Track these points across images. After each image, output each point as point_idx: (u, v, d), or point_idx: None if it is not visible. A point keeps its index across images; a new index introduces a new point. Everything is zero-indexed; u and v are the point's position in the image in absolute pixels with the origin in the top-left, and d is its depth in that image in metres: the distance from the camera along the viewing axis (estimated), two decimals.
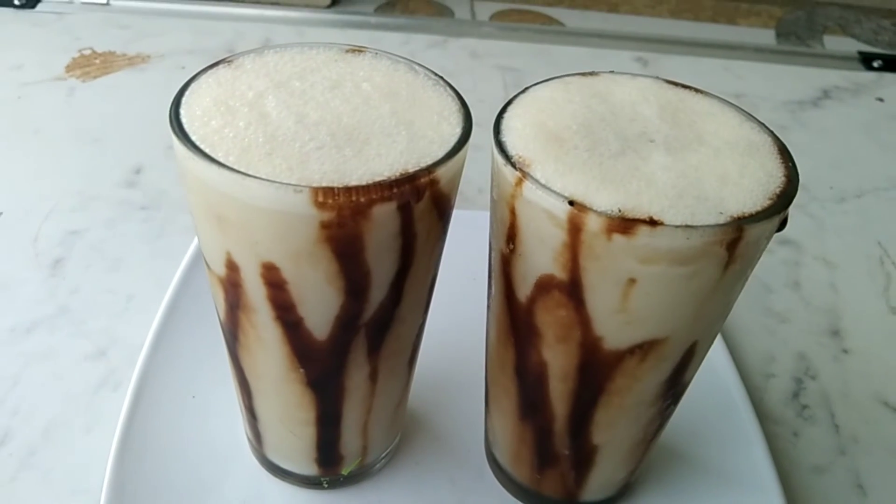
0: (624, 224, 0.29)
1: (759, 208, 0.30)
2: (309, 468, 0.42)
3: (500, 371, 0.39)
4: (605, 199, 0.29)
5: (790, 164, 0.32)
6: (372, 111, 0.33)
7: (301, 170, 0.30)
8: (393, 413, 0.42)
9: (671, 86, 0.37)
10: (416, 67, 0.37)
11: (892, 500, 0.48)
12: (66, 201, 0.64)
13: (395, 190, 0.30)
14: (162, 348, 0.49)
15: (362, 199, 0.29)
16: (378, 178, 0.30)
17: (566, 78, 0.37)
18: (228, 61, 0.36)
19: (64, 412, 0.48)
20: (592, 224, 0.29)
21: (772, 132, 0.35)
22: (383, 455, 0.44)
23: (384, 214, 0.30)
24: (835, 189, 0.77)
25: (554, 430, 0.38)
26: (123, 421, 0.45)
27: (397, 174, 0.30)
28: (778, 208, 0.30)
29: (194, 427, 0.46)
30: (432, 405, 0.49)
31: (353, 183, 0.29)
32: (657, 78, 0.37)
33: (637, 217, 0.29)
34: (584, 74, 0.37)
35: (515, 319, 0.36)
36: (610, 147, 0.32)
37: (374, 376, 0.38)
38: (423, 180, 0.30)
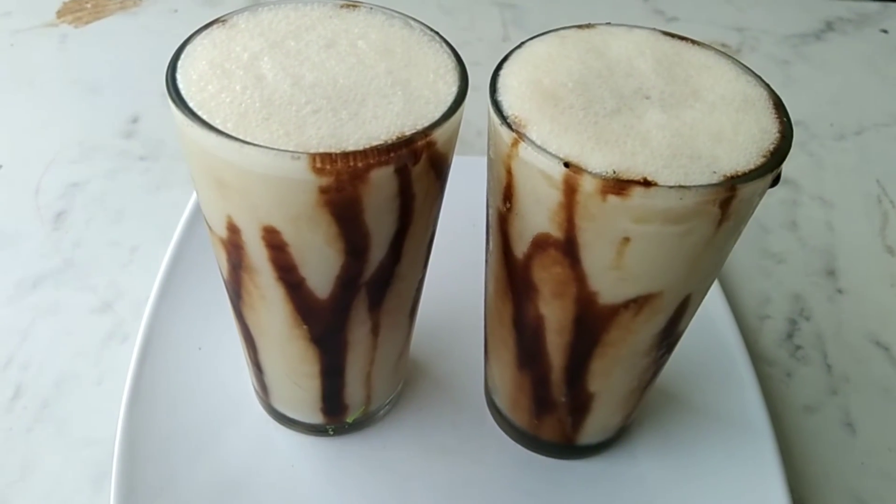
0: (618, 185, 0.29)
1: (752, 166, 0.30)
2: (315, 417, 0.43)
3: (498, 323, 0.40)
4: (600, 160, 0.30)
5: (785, 118, 0.33)
6: (367, 70, 0.33)
7: (298, 135, 0.30)
8: (395, 363, 0.43)
9: (668, 38, 0.37)
10: (412, 23, 0.37)
11: (880, 438, 0.49)
12: (66, 153, 0.64)
13: (391, 154, 0.30)
14: (167, 300, 0.50)
15: (359, 164, 0.30)
16: (375, 142, 0.30)
17: (562, 31, 0.37)
18: (223, 21, 0.36)
19: (74, 365, 0.49)
20: (587, 185, 0.29)
21: (767, 86, 0.35)
22: (387, 402, 0.46)
23: (382, 178, 0.31)
24: (835, 126, 0.76)
25: (551, 378, 0.39)
26: (133, 373, 0.46)
27: (394, 137, 0.30)
28: (771, 166, 0.30)
29: (202, 378, 0.47)
30: (433, 353, 0.50)
31: (350, 148, 0.30)
32: (654, 30, 0.37)
33: (631, 178, 0.29)
34: (580, 27, 0.37)
35: (512, 275, 0.36)
36: (605, 105, 0.32)
37: (375, 330, 0.39)
38: (419, 143, 0.31)
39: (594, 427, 0.43)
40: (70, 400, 0.47)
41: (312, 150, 0.29)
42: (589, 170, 0.29)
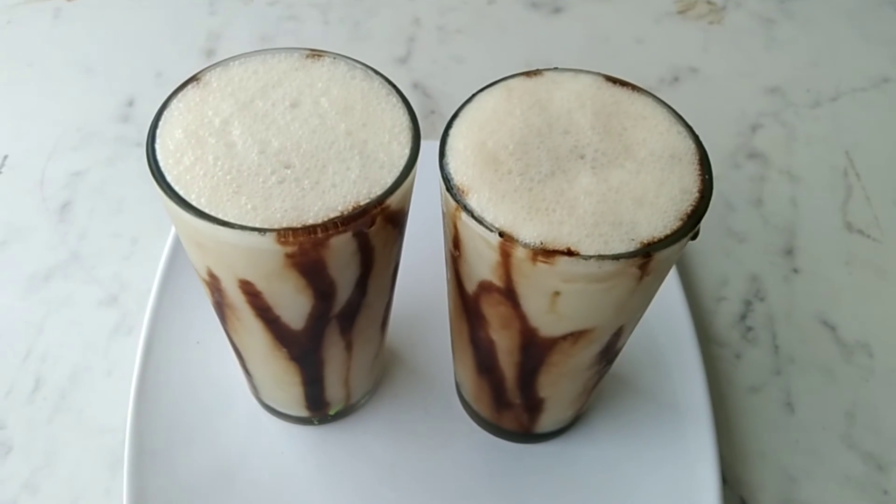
0: (545, 254, 0.33)
1: (668, 231, 0.34)
2: (300, 412, 0.49)
3: (459, 336, 0.45)
4: (531, 230, 0.33)
5: (707, 176, 0.36)
6: (328, 133, 0.37)
7: (264, 209, 0.34)
8: (371, 365, 0.48)
9: (609, 85, 0.40)
10: (372, 75, 0.40)
11: (816, 417, 0.54)
12: (66, 140, 0.68)
13: (348, 224, 0.34)
14: (167, 297, 0.55)
15: (319, 235, 0.34)
16: (333, 214, 0.34)
17: (510, 81, 0.40)
18: (196, 80, 0.39)
19: (86, 357, 0.55)
20: (519, 253, 0.33)
21: (696, 137, 0.38)
22: (365, 394, 0.51)
23: (341, 242, 0.35)
24: (811, 92, 0.78)
25: (506, 386, 0.44)
26: (138, 368, 0.51)
27: (350, 208, 0.34)
28: (687, 229, 0.34)
29: (200, 371, 0.52)
30: (409, 343, 0.55)
31: (310, 221, 0.34)
32: (597, 75, 0.40)
33: (556, 248, 0.33)
34: (528, 75, 0.40)
35: (466, 305, 0.41)
36: (541, 168, 0.36)
37: (349, 348, 0.44)
38: (374, 211, 0.35)
39: (548, 421, 0.48)
40: (84, 391, 0.53)
41: (276, 225, 0.33)
42: (520, 240, 0.33)
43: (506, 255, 0.34)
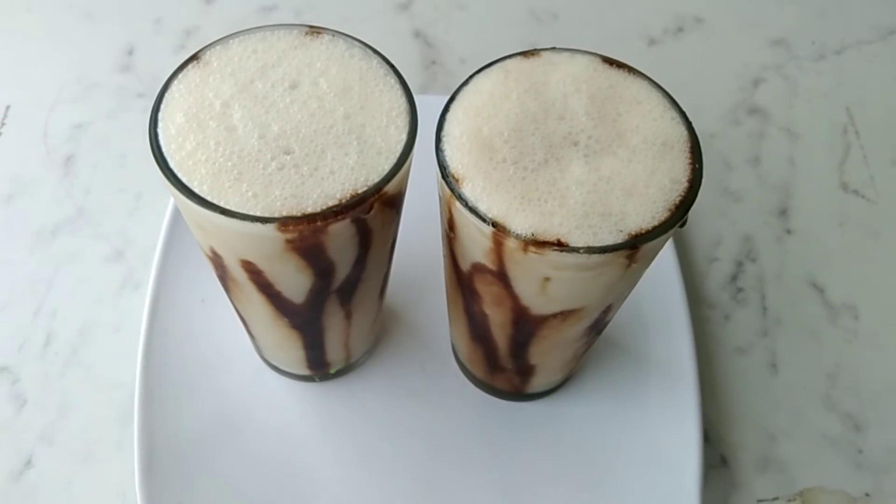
0: (536, 245, 0.34)
1: (656, 222, 0.35)
2: (302, 370, 0.51)
3: (454, 305, 0.46)
4: (522, 221, 0.35)
5: (697, 165, 0.37)
6: (327, 117, 0.37)
7: (265, 196, 0.35)
8: (369, 328, 0.50)
9: (606, 66, 0.40)
10: (370, 54, 0.40)
11: (798, 377, 0.56)
12: (68, 90, 0.68)
13: (346, 212, 0.35)
14: (171, 255, 0.56)
15: (318, 223, 0.35)
16: (331, 202, 0.35)
17: (508, 62, 0.40)
18: (196, 58, 0.39)
19: (94, 312, 0.56)
20: (511, 243, 0.35)
21: (689, 123, 0.38)
22: (365, 353, 0.53)
23: (339, 228, 0.36)
24: (816, 44, 0.77)
25: (498, 353, 0.46)
26: (145, 326, 0.53)
27: (348, 196, 0.35)
28: (674, 221, 0.35)
29: (205, 328, 0.54)
30: (407, 304, 0.56)
31: (309, 209, 0.35)
32: (595, 56, 0.40)
33: (547, 240, 0.34)
34: (525, 55, 0.40)
35: (460, 280, 0.42)
36: (535, 157, 0.36)
37: (348, 316, 0.45)
38: (371, 199, 0.36)
39: (539, 383, 0.50)
40: (94, 346, 0.55)
41: (277, 213, 0.34)
42: (511, 231, 0.34)
43: (498, 244, 0.35)
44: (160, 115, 0.37)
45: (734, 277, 0.61)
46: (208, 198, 0.35)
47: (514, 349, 0.45)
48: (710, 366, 0.56)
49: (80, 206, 0.61)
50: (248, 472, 0.49)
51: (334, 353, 0.49)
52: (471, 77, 0.39)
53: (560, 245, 0.34)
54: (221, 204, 0.34)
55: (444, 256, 0.44)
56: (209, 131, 0.36)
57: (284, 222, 0.34)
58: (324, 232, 0.35)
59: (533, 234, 0.34)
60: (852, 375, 0.57)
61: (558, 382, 0.51)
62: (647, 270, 0.54)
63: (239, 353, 0.54)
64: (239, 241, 0.36)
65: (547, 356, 0.46)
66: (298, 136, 0.37)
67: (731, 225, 0.64)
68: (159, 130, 0.37)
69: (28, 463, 0.50)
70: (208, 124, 0.37)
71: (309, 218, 0.34)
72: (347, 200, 0.35)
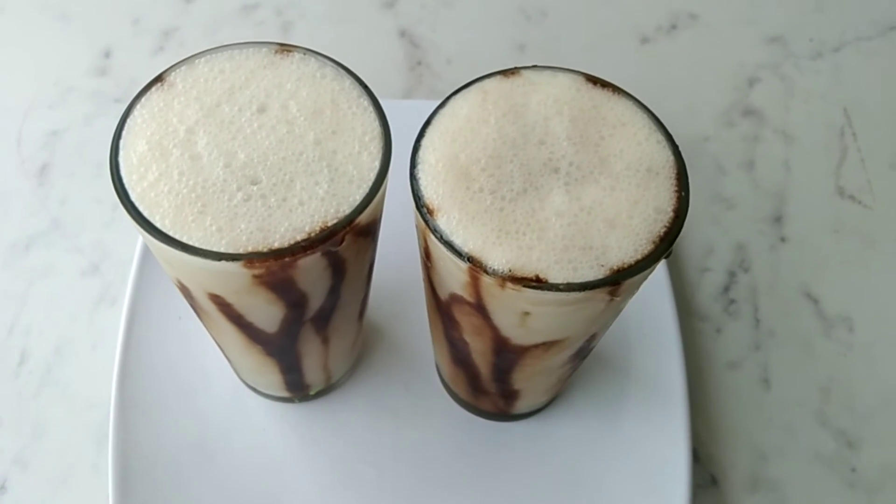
0: (513, 281, 0.33)
1: (639, 256, 0.33)
2: (281, 392, 0.50)
3: (435, 328, 0.45)
4: (499, 256, 0.33)
5: (682, 193, 0.35)
6: (297, 142, 0.36)
7: (230, 230, 0.33)
8: (349, 349, 0.49)
9: (590, 86, 0.38)
10: (342, 73, 0.38)
11: (791, 393, 0.55)
12: (43, 95, 0.66)
13: (315, 246, 0.33)
14: (147, 269, 0.54)
15: (286, 258, 0.33)
16: (300, 235, 0.33)
17: (486, 82, 0.38)
18: (161, 80, 0.37)
19: (70, 329, 0.55)
20: (487, 279, 0.33)
21: (675, 148, 0.37)
22: (345, 373, 0.52)
23: (309, 262, 0.34)
24: (814, 41, 0.75)
25: (481, 378, 0.45)
26: (121, 344, 0.52)
27: (317, 229, 0.34)
28: (658, 254, 0.34)
29: (181, 347, 0.53)
30: (389, 316, 0.55)
31: (276, 244, 0.33)
32: (578, 75, 0.38)
33: (525, 276, 0.33)
34: (505, 74, 0.38)
35: (440, 307, 0.41)
36: (513, 186, 0.35)
37: (325, 341, 0.44)
38: (343, 231, 0.34)
39: (524, 405, 0.49)
40: (70, 364, 0.54)
41: (242, 248, 0.33)
42: (488, 267, 0.33)
43: (474, 278, 0.34)
44: (122, 142, 0.35)
45: (726, 288, 0.60)
46: (170, 233, 0.33)
47: (497, 375, 0.44)
48: (700, 381, 0.55)
49: (55, 218, 0.60)
50: (226, 496, 0.48)
51: (313, 376, 0.48)
52: (447, 99, 0.38)
53: (538, 282, 0.32)
54: (184, 239, 0.33)
55: (423, 281, 0.42)
56: (172, 160, 0.35)
57: (250, 259, 0.33)
58: (293, 267, 0.34)
59: (510, 270, 0.33)
60: (846, 390, 0.55)
61: (544, 403, 0.50)
62: None
63: (217, 373, 0.52)
64: (205, 277, 0.35)
65: (531, 381, 0.44)
66: (266, 165, 0.35)
67: (723, 233, 0.62)
68: (120, 160, 0.35)
69: (2, 487, 0.49)
70: (172, 152, 0.35)
71: (276, 253, 0.33)
72: (317, 234, 0.33)
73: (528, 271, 0.33)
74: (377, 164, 0.35)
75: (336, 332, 0.44)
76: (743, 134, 0.68)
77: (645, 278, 0.35)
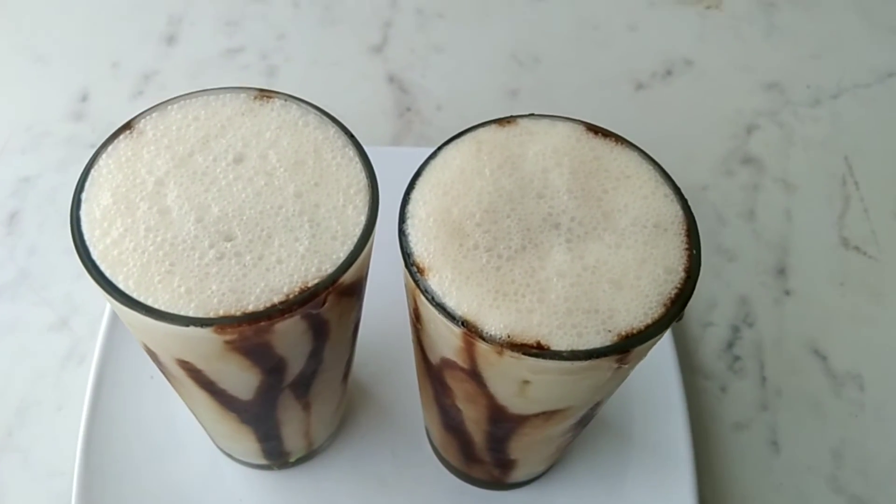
0: (512, 347, 0.30)
1: (649, 321, 0.31)
2: (259, 460, 0.46)
3: (425, 393, 0.42)
4: (497, 319, 0.30)
5: (694, 251, 0.32)
6: (276, 195, 0.33)
7: (199, 292, 0.30)
8: (332, 414, 0.46)
9: (590, 136, 0.36)
10: (326, 120, 0.36)
11: (801, 456, 0.52)
12: (16, 140, 0.64)
13: (294, 310, 0.30)
14: (118, 325, 0.51)
15: (262, 323, 0.30)
16: (276, 297, 0.30)
17: (481, 132, 0.36)
18: (130, 128, 0.35)
19: (34, 389, 0.51)
20: (484, 345, 0.30)
21: (684, 201, 0.34)
22: (328, 438, 0.48)
23: (287, 326, 0.31)
24: (811, 88, 0.74)
25: (475, 446, 0.42)
26: (87, 407, 0.48)
27: (297, 290, 0.31)
28: (670, 318, 0.31)
29: (153, 408, 0.49)
30: (375, 375, 0.52)
31: (251, 307, 0.30)
32: (578, 124, 0.36)
33: (525, 342, 0.30)
34: (501, 123, 0.36)
35: (429, 371, 0.37)
36: (511, 243, 0.32)
37: (307, 407, 0.41)
38: (324, 292, 0.31)
39: (521, 474, 0.45)
40: (33, 427, 0.50)
41: (213, 311, 0.30)
42: (484, 333, 0.30)
43: (469, 344, 0.31)
44: (84, 195, 0.33)
45: (730, 344, 0.57)
46: (134, 295, 0.30)
47: (493, 444, 0.40)
48: (706, 443, 0.52)
49: (23, 269, 0.57)
50: None
51: (293, 443, 0.44)
52: (439, 149, 0.35)
53: (540, 349, 0.29)
54: (149, 302, 0.30)
55: (413, 342, 0.39)
56: (139, 214, 0.32)
57: (221, 325, 0.30)
58: (269, 331, 0.31)
59: (509, 336, 0.30)
60: (859, 453, 0.52)
61: (541, 472, 0.47)
62: None
63: (190, 437, 0.49)
64: (172, 342, 0.32)
65: (529, 451, 0.41)
66: (242, 219, 0.32)
67: (725, 286, 0.60)
68: (82, 213, 0.32)
69: None
70: (139, 206, 0.32)
71: (250, 318, 0.30)
72: (295, 296, 0.30)
73: (529, 337, 0.30)
74: (363, 219, 0.33)
75: (318, 397, 0.40)
76: (742, 183, 0.66)
77: (655, 343, 0.32)
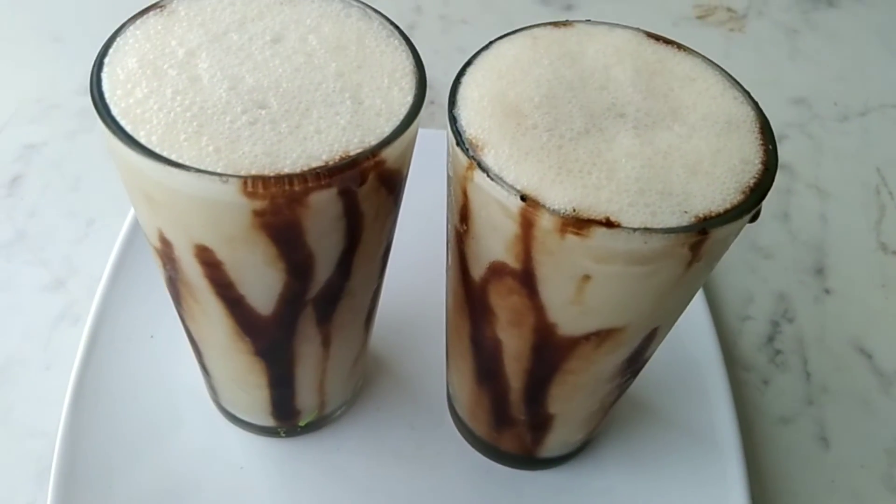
0: (578, 224, 0.26)
1: (728, 206, 0.27)
2: (265, 420, 0.42)
3: (457, 337, 0.38)
4: (560, 193, 0.27)
5: (770, 146, 0.30)
6: (315, 72, 0.30)
7: (230, 152, 0.27)
8: (350, 370, 0.41)
9: (651, 41, 0.33)
10: (371, 14, 0.33)
11: (854, 454, 0.48)
12: (24, 111, 0.61)
13: (333, 177, 0.27)
14: (120, 283, 0.48)
15: (296, 188, 0.27)
16: (314, 163, 0.27)
17: (535, 30, 0.33)
18: (160, 6, 0.32)
19: (22, 347, 0.47)
20: (545, 221, 0.27)
21: (755, 103, 0.32)
22: (342, 405, 0.44)
23: (322, 201, 0.28)
24: (839, 105, 0.72)
25: (510, 398, 0.38)
26: (79, 363, 0.44)
27: (336, 158, 0.28)
28: (750, 205, 0.28)
29: (152, 369, 0.45)
30: (395, 349, 0.48)
31: (286, 170, 0.27)
32: (637, 30, 0.34)
33: (592, 217, 0.26)
34: (556, 24, 0.34)
35: (470, 296, 0.34)
36: (573, 125, 0.29)
37: (326, 343, 0.37)
38: (366, 164, 0.28)
39: (555, 443, 0.41)
40: (17, 386, 0.46)
41: (244, 171, 0.27)
42: (547, 206, 0.27)
43: (527, 226, 0.27)
44: (107, 59, 0.30)
45: (770, 338, 0.53)
46: (157, 150, 0.27)
47: (531, 391, 0.36)
48: (750, 436, 0.48)
49: (20, 230, 0.53)
50: None
51: (306, 396, 0.40)
52: (491, 43, 0.33)
53: (610, 224, 0.26)
54: (173, 158, 0.27)
55: (450, 268, 0.36)
56: (167, 79, 0.29)
57: (253, 183, 0.26)
58: (302, 203, 0.27)
59: (575, 210, 0.26)
60: None
61: (576, 445, 0.42)
62: (678, 325, 0.46)
63: (190, 399, 0.44)
64: (194, 215, 0.28)
65: (569, 402, 0.37)
66: (278, 91, 0.29)
67: (761, 282, 0.57)
68: (104, 75, 0.29)
69: None
70: (167, 72, 0.29)
71: (285, 180, 0.27)
72: (335, 162, 0.27)
73: (597, 212, 0.26)
74: (409, 99, 0.30)
75: (340, 331, 0.37)
76: (776, 186, 0.63)
77: (731, 239, 0.29)
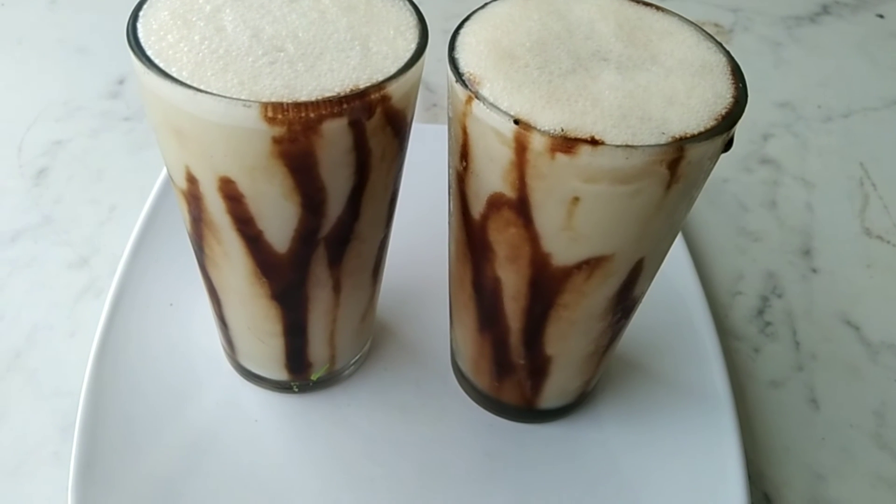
0: (566, 143, 0.29)
1: (702, 129, 0.30)
2: (279, 374, 0.44)
3: (460, 287, 0.41)
4: (550, 118, 0.30)
5: (740, 84, 0.33)
6: (328, 25, 0.34)
7: (252, 84, 0.30)
8: (359, 324, 0.44)
9: (632, 3, 0.37)
10: None
11: (843, 414, 0.50)
12: (51, 111, 0.65)
13: (344, 105, 0.30)
14: (141, 256, 0.50)
15: (311, 114, 0.30)
16: (328, 94, 0.30)
17: None
18: None
19: (48, 318, 0.50)
20: (536, 143, 0.30)
21: (727, 52, 0.35)
22: (352, 362, 0.46)
23: (335, 130, 0.31)
24: (822, 108, 0.76)
25: (509, 342, 0.40)
26: (102, 325, 0.46)
27: (347, 90, 0.31)
28: (721, 129, 0.31)
29: (172, 333, 0.48)
30: (401, 315, 0.50)
31: (303, 99, 0.30)
32: None
33: (579, 136, 0.29)
34: None
35: (471, 237, 0.37)
36: (561, 65, 0.32)
37: (337, 289, 0.39)
38: (373, 96, 0.31)
39: (554, 390, 0.43)
40: (42, 351, 0.48)
41: (265, 100, 0.30)
42: (538, 127, 0.30)
43: (521, 150, 0.30)
44: (142, 12, 0.33)
45: (760, 311, 0.56)
46: (187, 82, 0.30)
47: (528, 332, 0.39)
48: (743, 398, 0.50)
49: (46, 215, 0.56)
50: (208, 497, 0.41)
51: (318, 347, 0.42)
52: (485, 4, 0.36)
53: (594, 143, 0.29)
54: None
55: (452, 214, 0.39)
56: (195, 29, 0.32)
57: (273, 108, 0.29)
58: (316, 132, 0.31)
59: (563, 130, 0.29)
60: None
61: (574, 395, 0.45)
62: (668, 293, 0.49)
63: (208, 360, 0.47)
64: (218, 144, 0.31)
65: (565, 342, 0.39)
66: (295, 39, 0.33)
67: (751, 262, 0.59)
68: (139, 25, 0.32)
69: None
70: (195, 24, 0.33)
71: (301, 107, 0.30)
72: (347, 93, 0.30)
73: (583, 132, 0.29)
74: (413, 47, 0.33)
75: (350, 278, 0.39)
76: (762, 178, 0.67)
77: (706, 165, 0.32)
